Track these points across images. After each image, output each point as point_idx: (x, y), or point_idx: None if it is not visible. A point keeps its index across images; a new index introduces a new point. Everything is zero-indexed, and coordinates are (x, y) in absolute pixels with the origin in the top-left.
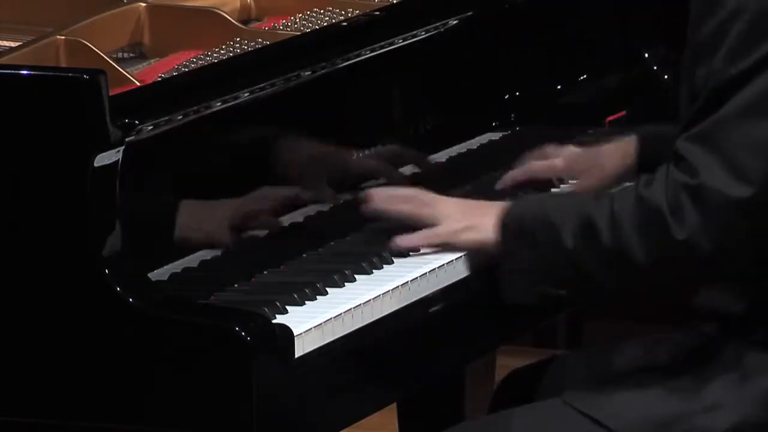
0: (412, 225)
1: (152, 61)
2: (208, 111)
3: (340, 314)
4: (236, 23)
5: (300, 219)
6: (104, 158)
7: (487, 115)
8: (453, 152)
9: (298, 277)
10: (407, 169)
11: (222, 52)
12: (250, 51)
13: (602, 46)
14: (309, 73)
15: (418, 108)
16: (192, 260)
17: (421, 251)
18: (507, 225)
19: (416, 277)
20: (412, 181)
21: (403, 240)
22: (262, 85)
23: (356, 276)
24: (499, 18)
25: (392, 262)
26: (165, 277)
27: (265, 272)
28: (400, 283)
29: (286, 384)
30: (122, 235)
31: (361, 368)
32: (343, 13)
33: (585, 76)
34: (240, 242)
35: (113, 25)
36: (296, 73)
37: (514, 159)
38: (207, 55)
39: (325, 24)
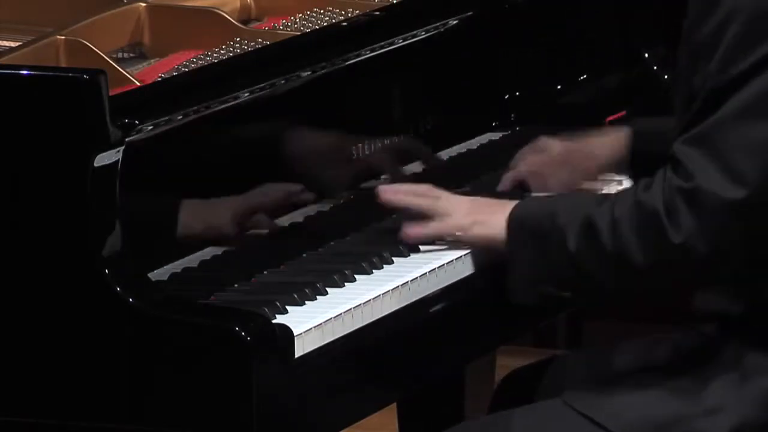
0: (421, 219)
1: (152, 61)
2: (208, 111)
3: (340, 314)
4: (236, 23)
5: (300, 219)
6: (104, 158)
7: (487, 115)
8: (453, 152)
9: (298, 277)
10: (411, 168)
11: (222, 52)
12: (250, 51)
13: (602, 46)
14: (309, 73)
15: (418, 108)
16: (192, 260)
17: (422, 250)
18: (515, 223)
19: (416, 277)
20: (416, 179)
21: (413, 230)
22: (262, 85)
23: (356, 276)
24: (499, 18)
25: (392, 262)
26: (165, 277)
27: (265, 272)
28: (400, 283)
29: (286, 384)
30: (122, 235)
31: (361, 368)
32: (343, 13)
33: (585, 76)
34: (240, 242)
35: (113, 25)
36: (296, 73)
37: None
38: (207, 55)
39: (325, 24)
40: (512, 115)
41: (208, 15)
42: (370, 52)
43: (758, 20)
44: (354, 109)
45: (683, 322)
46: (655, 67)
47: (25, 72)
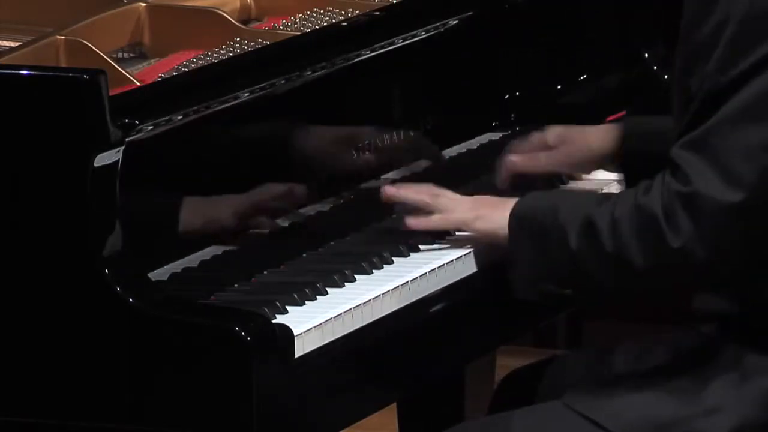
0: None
1: (152, 61)
2: (208, 111)
3: (340, 314)
4: (236, 23)
5: (300, 219)
6: (104, 158)
7: (487, 115)
8: (453, 152)
9: (298, 277)
10: (413, 167)
11: (222, 52)
12: (250, 51)
13: (602, 46)
14: (309, 73)
15: (418, 108)
16: (192, 260)
17: (422, 250)
18: (516, 220)
19: (416, 277)
20: (418, 179)
21: (415, 221)
22: (262, 85)
23: (356, 276)
24: (499, 18)
25: (392, 262)
26: (165, 277)
27: (265, 272)
28: (400, 283)
29: (286, 384)
30: (122, 235)
31: (361, 368)
32: (343, 13)
33: (585, 76)
34: (240, 242)
35: (113, 25)
36: (296, 73)
37: None
38: (207, 55)
39: (325, 24)
40: (512, 115)
41: (208, 15)
42: (370, 52)
43: (754, 22)
44: (354, 110)
45: (683, 322)
46: (655, 67)
47: (25, 72)
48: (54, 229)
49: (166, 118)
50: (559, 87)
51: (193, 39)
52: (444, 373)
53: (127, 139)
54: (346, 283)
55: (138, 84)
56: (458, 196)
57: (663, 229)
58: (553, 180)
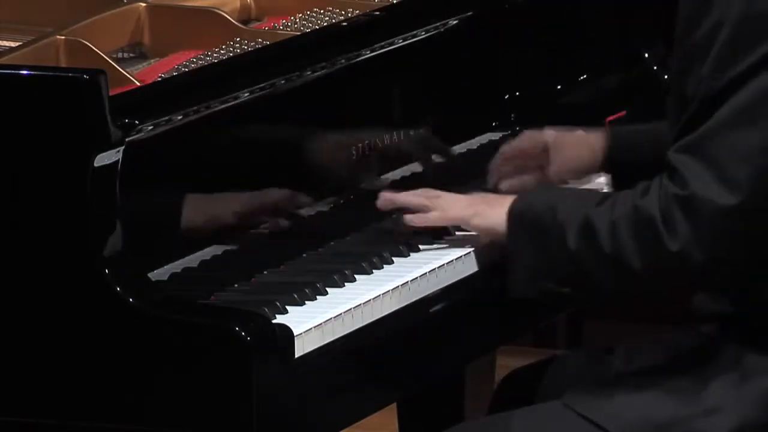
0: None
1: (152, 61)
2: (208, 111)
3: (340, 314)
4: (236, 23)
5: (300, 219)
6: (104, 158)
7: (487, 115)
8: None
9: (298, 277)
10: (411, 167)
11: (222, 52)
12: (250, 51)
13: (602, 46)
14: (309, 73)
15: (418, 108)
16: (192, 260)
17: (422, 250)
18: (515, 217)
19: (416, 277)
20: (417, 179)
21: (415, 218)
22: (262, 85)
23: (356, 276)
24: (499, 18)
25: (392, 262)
26: (165, 277)
27: (265, 272)
28: (400, 283)
29: (286, 384)
30: (122, 235)
31: (361, 368)
32: (343, 13)
33: (585, 76)
34: (240, 242)
35: (113, 25)
36: (296, 73)
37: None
38: (207, 55)
39: (325, 24)
40: (512, 115)
41: (208, 15)
42: (370, 52)
43: (749, 24)
44: (354, 109)
45: (683, 322)
46: (655, 67)
47: (25, 72)
48: (54, 229)
49: (166, 118)
50: (559, 87)
51: (193, 39)
52: (444, 373)
53: (127, 139)
54: (346, 283)
55: (138, 84)
56: (454, 195)
57: (661, 232)
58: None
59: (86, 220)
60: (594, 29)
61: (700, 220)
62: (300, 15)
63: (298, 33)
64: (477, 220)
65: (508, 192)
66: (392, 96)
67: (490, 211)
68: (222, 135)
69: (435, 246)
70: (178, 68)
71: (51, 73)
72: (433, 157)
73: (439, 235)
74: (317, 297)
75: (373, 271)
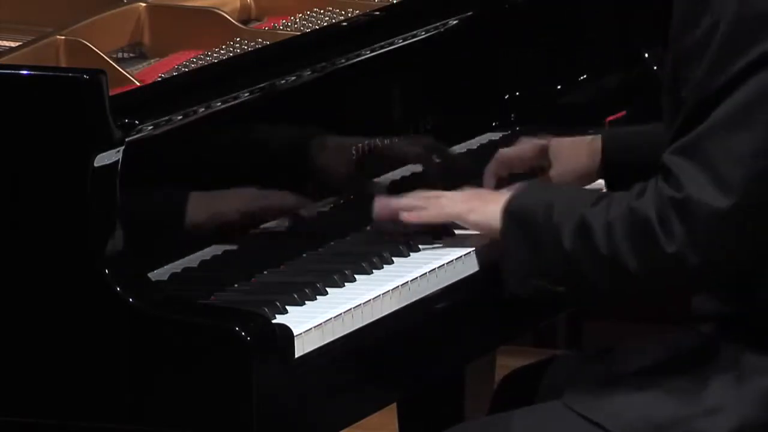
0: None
1: (152, 61)
2: (208, 111)
3: (340, 314)
4: (236, 23)
5: (300, 219)
6: (104, 158)
7: (487, 115)
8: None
9: (298, 277)
10: (411, 168)
11: (222, 52)
12: (250, 51)
13: (602, 46)
14: (309, 73)
15: (418, 108)
16: (192, 260)
17: (422, 250)
18: (510, 214)
19: (416, 277)
20: (417, 179)
21: (411, 215)
22: (262, 85)
23: (356, 276)
24: (499, 18)
25: (392, 262)
26: (165, 277)
27: (265, 272)
28: (400, 283)
29: (286, 384)
30: (122, 235)
31: (361, 368)
32: (343, 13)
33: (585, 76)
34: (240, 242)
35: (113, 25)
36: (296, 73)
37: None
38: (207, 55)
39: (325, 24)
40: (512, 115)
41: (208, 15)
42: (370, 52)
43: (743, 26)
44: (354, 109)
45: (683, 322)
46: (655, 67)
47: (25, 72)
48: (54, 229)
49: (166, 118)
50: (559, 87)
51: (193, 39)
52: (444, 373)
53: (127, 139)
54: (346, 283)
55: (138, 84)
56: (450, 192)
57: (657, 234)
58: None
59: (86, 220)
60: (594, 29)
61: (695, 222)
62: (300, 15)
63: (298, 33)
64: (472, 216)
65: None
66: (392, 96)
67: (485, 207)
68: (222, 135)
69: (435, 246)
70: (178, 68)
71: (51, 73)
72: (434, 157)
73: (439, 235)
74: (317, 297)
75: (373, 271)
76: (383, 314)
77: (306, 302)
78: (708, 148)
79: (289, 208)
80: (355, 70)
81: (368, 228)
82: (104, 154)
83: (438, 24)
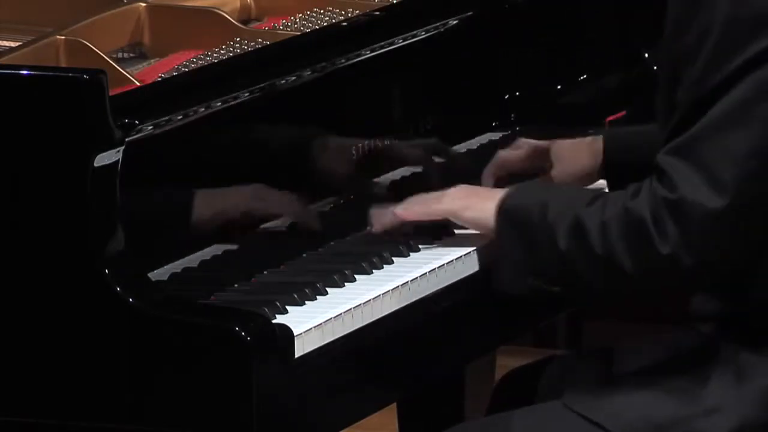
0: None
1: (152, 61)
2: (208, 111)
3: (340, 314)
4: (236, 23)
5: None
6: (104, 158)
7: (487, 115)
8: None
9: (298, 277)
10: (412, 167)
11: (222, 52)
12: (250, 51)
13: (602, 46)
14: (309, 73)
15: (418, 108)
16: (192, 260)
17: (422, 250)
18: (504, 212)
19: (416, 277)
20: (416, 179)
21: (404, 212)
22: (262, 85)
23: (356, 276)
24: (499, 18)
25: (392, 262)
26: (165, 277)
27: (265, 272)
28: (400, 283)
29: (286, 384)
30: (122, 235)
31: (361, 368)
32: (343, 13)
33: (585, 76)
34: (240, 242)
35: (113, 25)
36: (296, 73)
37: None
38: (207, 55)
39: (325, 24)
40: (512, 115)
41: (208, 15)
42: (370, 52)
43: (737, 28)
44: (354, 110)
45: (683, 322)
46: (655, 67)
47: (25, 72)
48: (54, 229)
49: (166, 118)
50: (559, 87)
51: (193, 39)
52: (444, 373)
53: (127, 139)
54: (346, 283)
55: (138, 84)
56: (447, 190)
57: (652, 235)
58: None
59: (86, 220)
60: (594, 29)
61: (689, 223)
62: (300, 15)
63: (298, 33)
64: (468, 213)
65: None
66: (392, 96)
67: (481, 205)
68: (222, 135)
69: (435, 246)
70: (178, 68)
71: (51, 73)
72: (435, 158)
73: (439, 235)
74: (317, 297)
75: (373, 271)
76: (383, 314)
77: (306, 302)
78: (702, 148)
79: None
80: (355, 70)
81: (368, 228)
82: (104, 154)
83: (438, 24)
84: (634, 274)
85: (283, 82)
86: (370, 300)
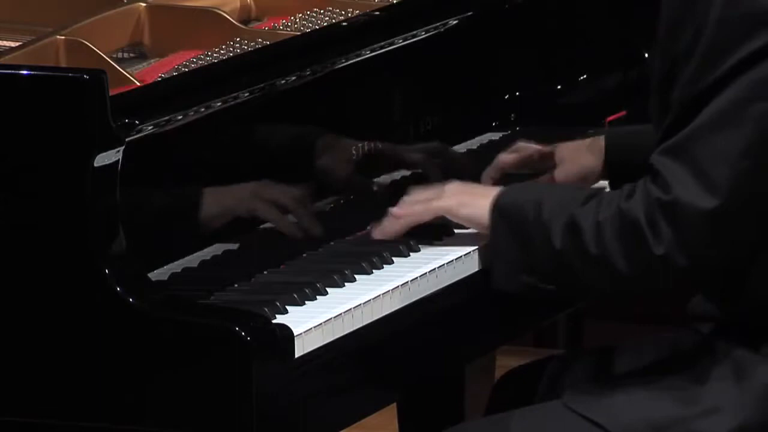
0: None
1: (152, 61)
2: (208, 111)
3: (340, 314)
4: (236, 23)
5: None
6: (104, 158)
7: (487, 115)
8: None
9: (298, 277)
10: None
11: (222, 52)
12: (250, 51)
13: (602, 47)
14: (309, 73)
15: (418, 108)
16: (192, 260)
17: (422, 250)
18: (498, 210)
19: (416, 277)
20: (415, 179)
21: (400, 210)
22: (262, 85)
23: (356, 276)
24: (499, 18)
25: (392, 262)
26: (165, 277)
27: (265, 272)
28: (400, 283)
29: (286, 384)
30: (122, 235)
31: (361, 368)
32: (343, 13)
33: (585, 76)
34: (240, 242)
35: (113, 25)
36: (296, 73)
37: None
38: (207, 55)
39: (325, 24)
40: (512, 115)
41: (208, 15)
42: (370, 52)
43: (728, 28)
44: (354, 110)
45: (683, 322)
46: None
47: (25, 72)
48: (54, 229)
49: (166, 118)
50: (559, 87)
51: (193, 39)
52: (444, 373)
53: (127, 139)
54: (346, 283)
55: (138, 84)
56: (440, 185)
57: (646, 236)
58: None
59: (86, 220)
60: (594, 29)
61: (683, 224)
62: (300, 15)
63: (298, 33)
64: (463, 211)
65: None
66: (392, 96)
67: (476, 202)
68: (222, 135)
69: (435, 246)
70: (178, 68)
71: (51, 73)
72: (435, 161)
73: (439, 235)
74: (317, 297)
75: (373, 271)
76: (383, 314)
77: (306, 302)
78: (695, 148)
79: (289, 207)
80: (355, 70)
81: (368, 228)
82: (104, 154)
83: (438, 24)
84: (629, 274)
85: (283, 82)
86: (370, 300)
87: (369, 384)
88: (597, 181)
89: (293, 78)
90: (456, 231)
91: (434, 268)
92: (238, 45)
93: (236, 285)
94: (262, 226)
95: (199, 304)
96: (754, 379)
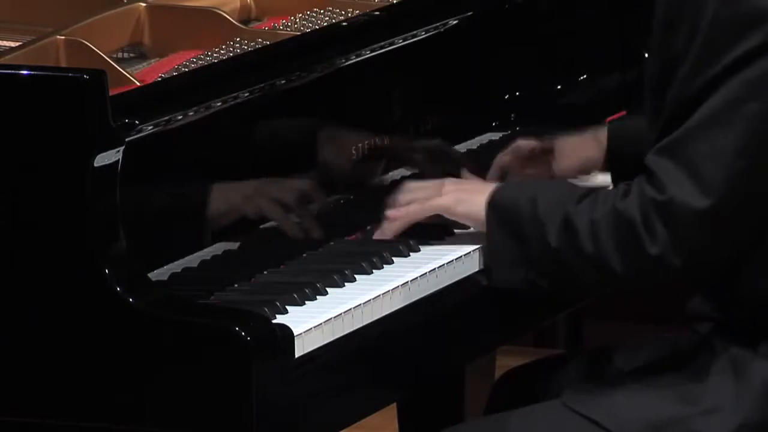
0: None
1: (152, 61)
2: (208, 111)
3: (340, 314)
4: (236, 23)
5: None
6: (104, 158)
7: (487, 115)
8: None
9: (298, 277)
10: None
11: (222, 52)
12: (250, 51)
13: (602, 46)
14: (309, 73)
15: (418, 108)
16: (192, 260)
17: (422, 250)
18: (494, 207)
19: (416, 277)
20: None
21: (395, 212)
22: (262, 85)
23: (356, 276)
24: (499, 18)
25: (392, 262)
26: (165, 277)
27: (265, 272)
28: (400, 283)
29: (286, 384)
30: (122, 235)
31: (361, 368)
32: (343, 13)
33: (585, 76)
34: (240, 242)
35: (113, 25)
36: (296, 73)
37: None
38: (207, 55)
39: (325, 24)
40: (512, 115)
41: (208, 15)
42: (370, 52)
43: (721, 28)
44: (354, 110)
45: (682, 322)
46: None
47: (25, 72)
48: (54, 229)
49: (166, 118)
50: (558, 87)
51: (193, 39)
52: (444, 373)
53: (127, 139)
54: (346, 283)
55: (138, 84)
56: (436, 182)
57: (641, 236)
58: None
59: (86, 220)
60: (594, 29)
61: (678, 224)
62: (300, 15)
63: (298, 33)
64: (460, 208)
65: None
66: (392, 96)
67: (472, 198)
68: (222, 135)
69: (435, 246)
70: (178, 68)
71: (51, 73)
72: (435, 162)
73: (439, 234)
74: (317, 297)
75: (373, 271)
76: (383, 314)
77: (306, 302)
78: (690, 148)
79: (289, 207)
80: (355, 70)
81: (368, 228)
82: (104, 154)
83: (438, 24)
84: (624, 273)
85: (283, 82)
86: (370, 300)
87: (369, 384)
88: (596, 170)
89: (293, 78)
90: (456, 231)
91: (434, 268)
92: (238, 45)
93: (236, 285)
94: (262, 226)
95: (199, 304)
96: (753, 378)
